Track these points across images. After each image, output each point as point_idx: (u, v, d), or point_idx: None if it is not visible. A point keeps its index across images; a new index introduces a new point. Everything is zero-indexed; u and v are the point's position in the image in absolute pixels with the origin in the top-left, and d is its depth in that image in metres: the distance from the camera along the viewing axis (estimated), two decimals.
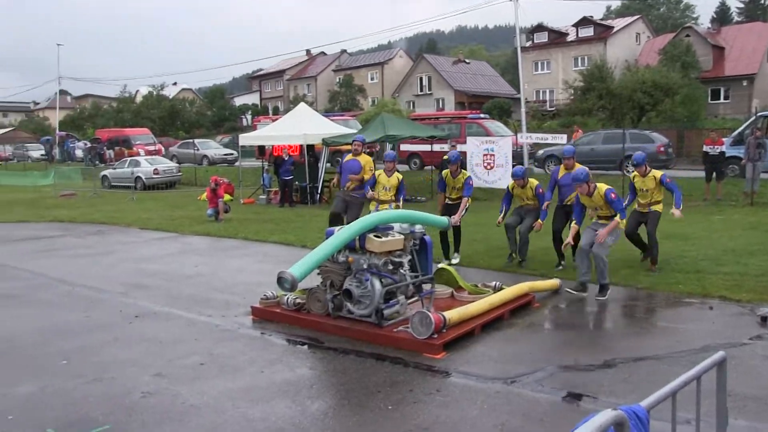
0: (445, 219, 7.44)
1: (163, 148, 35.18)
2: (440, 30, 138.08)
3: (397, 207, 8.81)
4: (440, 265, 7.50)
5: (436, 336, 5.48)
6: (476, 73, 58.58)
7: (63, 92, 63.18)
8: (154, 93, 57.25)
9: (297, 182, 17.91)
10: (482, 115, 25.87)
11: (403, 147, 23.77)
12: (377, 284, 5.89)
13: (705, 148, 15.60)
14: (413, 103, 55.00)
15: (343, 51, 67.91)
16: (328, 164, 19.33)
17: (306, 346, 5.77)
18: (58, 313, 7.02)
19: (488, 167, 16.22)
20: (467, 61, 60.66)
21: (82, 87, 75.61)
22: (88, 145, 38.73)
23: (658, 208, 8.30)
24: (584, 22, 49.05)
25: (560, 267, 8.42)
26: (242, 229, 13.02)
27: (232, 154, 31.75)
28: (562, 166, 8.75)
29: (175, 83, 70.98)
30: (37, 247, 11.65)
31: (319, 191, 17.84)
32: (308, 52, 69.58)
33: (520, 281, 7.26)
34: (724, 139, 16.86)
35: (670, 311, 6.70)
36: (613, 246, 7.56)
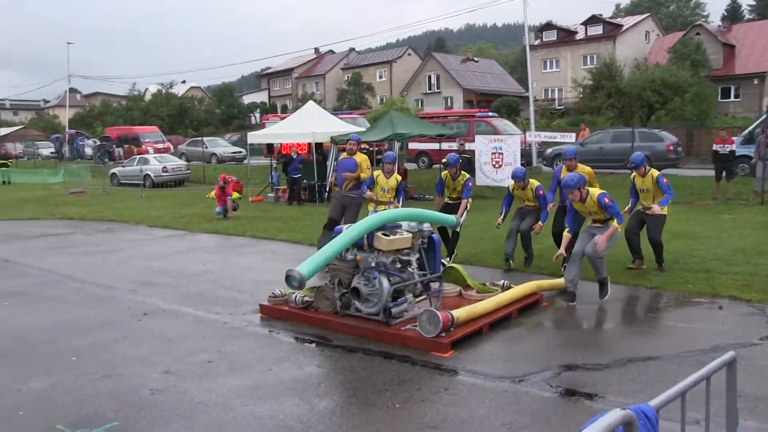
0: (453, 217, 7.43)
1: (171, 146, 35.27)
2: (449, 28, 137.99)
3: (396, 208, 8.75)
4: (448, 264, 7.48)
5: (444, 334, 5.48)
6: (485, 72, 58.44)
7: (73, 90, 63.57)
8: (163, 91, 57.38)
9: (305, 180, 17.93)
10: (491, 114, 25.83)
11: (412, 145, 23.76)
12: (385, 282, 5.89)
13: (715, 147, 15.49)
14: (422, 102, 54.96)
15: (352, 49, 67.91)
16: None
17: (314, 344, 5.78)
18: (68, 310, 7.07)
19: (497, 165, 16.19)
20: (476, 59, 60.51)
21: (92, 85, 76.33)
22: (98, 143, 38.89)
23: (663, 210, 8.10)
24: (593, 20, 48.85)
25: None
26: (250, 227, 13.05)
27: (240, 152, 31.79)
28: (564, 167, 8.52)
29: (184, 81, 71.21)
30: (47, 245, 11.73)
31: (327, 189, 17.85)
32: (317, 50, 69.67)
33: (527, 280, 7.24)
34: (734, 138, 16.75)
35: (679, 311, 6.66)
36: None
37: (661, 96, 31.00)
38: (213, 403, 4.45)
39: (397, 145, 18.32)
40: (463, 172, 9.13)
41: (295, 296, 6.53)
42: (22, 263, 9.86)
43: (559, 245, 8.15)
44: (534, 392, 4.58)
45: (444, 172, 9.13)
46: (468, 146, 16.86)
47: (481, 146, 16.62)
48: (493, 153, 16.32)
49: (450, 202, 9.14)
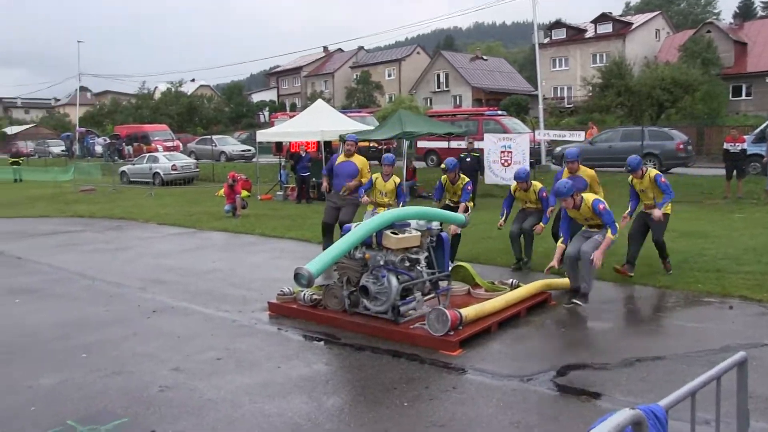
0: (461, 216, 7.40)
1: (181, 145, 35.43)
2: (458, 26, 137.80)
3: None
4: (457, 262, 7.47)
5: (452, 333, 5.48)
6: (494, 70, 58.30)
7: (83, 89, 63.94)
8: (173, 89, 57.63)
9: (314, 179, 17.95)
10: (499, 112, 25.75)
11: (420, 144, 23.74)
12: (394, 281, 5.89)
13: (726, 146, 15.38)
14: (430, 100, 54.89)
15: (360, 48, 67.93)
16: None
17: (322, 342, 5.79)
18: (78, 307, 7.12)
19: (505, 164, 16.14)
20: (485, 57, 60.37)
21: (102, 84, 76.83)
22: (108, 141, 39.11)
23: (666, 208, 7.82)
24: (603, 18, 48.65)
25: None
26: (259, 225, 13.08)
27: (249, 150, 31.87)
28: (566, 169, 8.36)
29: (193, 80, 71.45)
30: (57, 242, 11.81)
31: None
32: (325, 48, 69.79)
33: (536, 279, 7.22)
34: (745, 137, 16.61)
35: (688, 310, 6.62)
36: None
37: (672, 94, 30.84)
38: (222, 400, 4.47)
39: (405, 143, 18.31)
40: (462, 175, 8.89)
41: (304, 294, 6.55)
42: (33, 260, 9.94)
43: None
44: (542, 391, 4.57)
45: (443, 177, 8.92)
46: (477, 145, 16.81)
47: (490, 145, 16.58)
48: (502, 151, 16.28)
49: (451, 205, 9.02)
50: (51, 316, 6.74)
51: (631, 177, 7.94)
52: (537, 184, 8.41)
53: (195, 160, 27.98)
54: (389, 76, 61.92)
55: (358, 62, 65.59)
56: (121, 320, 6.53)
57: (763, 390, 4.37)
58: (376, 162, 23.54)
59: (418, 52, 63.80)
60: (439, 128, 18.34)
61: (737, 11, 59.39)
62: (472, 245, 9.70)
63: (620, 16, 53.66)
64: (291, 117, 24.33)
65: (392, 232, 6.08)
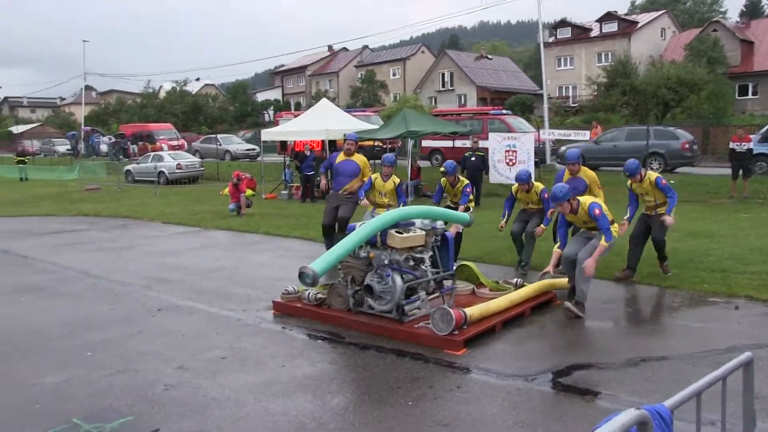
0: (466, 215, 7.38)
1: (185, 143, 35.50)
2: (462, 26, 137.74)
3: None
4: (461, 262, 7.46)
5: (456, 332, 5.47)
6: (498, 69, 58.21)
7: (88, 88, 64.11)
8: (178, 89, 57.73)
9: (318, 177, 17.95)
10: (504, 111, 25.72)
11: (425, 143, 23.74)
12: (398, 280, 5.89)
13: (732, 145, 15.33)
14: (435, 99, 54.85)
15: (365, 47, 67.91)
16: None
17: (327, 341, 5.79)
18: (84, 305, 7.14)
19: (510, 163, 16.12)
20: (489, 56, 60.29)
21: (107, 83, 77.01)
22: (113, 140, 39.25)
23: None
24: (608, 17, 48.53)
25: None
26: (264, 224, 13.10)
27: (254, 149, 31.91)
28: (566, 170, 8.21)
29: (197, 79, 71.58)
30: (63, 241, 11.85)
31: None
32: (330, 48, 69.73)
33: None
34: (751, 136, 16.56)
35: (694, 310, 6.60)
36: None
37: (677, 94, 30.73)
38: (226, 398, 4.48)
39: (410, 142, 18.31)
40: (461, 178, 8.82)
41: (308, 293, 6.55)
42: (39, 259, 9.97)
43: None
44: (547, 391, 4.57)
45: (443, 179, 8.83)
46: (482, 144, 16.81)
47: (495, 144, 16.56)
48: (506, 151, 16.26)
49: (452, 206, 8.96)
50: (56, 314, 6.77)
51: (629, 181, 7.75)
52: (538, 185, 8.30)
53: (200, 159, 28.03)
54: (394, 75, 61.90)
55: (362, 61, 65.59)
56: (126, 319, 6.55)
57: None
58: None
59: (422, 52, 63.77)
60: (443, 127, 18.33)
61: (744, 10, 59.01)
62: (476, 245, 9.68)
63: (626, 15, 53.51)
64: (295, 116, 24.38)
65: (397, 232, 6.08)
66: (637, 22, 48.50)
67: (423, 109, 36.79)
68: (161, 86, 64.28)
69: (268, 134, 20.44)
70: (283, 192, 19.14)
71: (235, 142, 34.63)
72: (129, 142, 36.52)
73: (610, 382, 4.68)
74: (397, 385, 4.67)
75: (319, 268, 5.54)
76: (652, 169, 18.18)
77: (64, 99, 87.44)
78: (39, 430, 4.01)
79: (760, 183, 15.63)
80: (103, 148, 40.36)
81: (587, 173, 8.11)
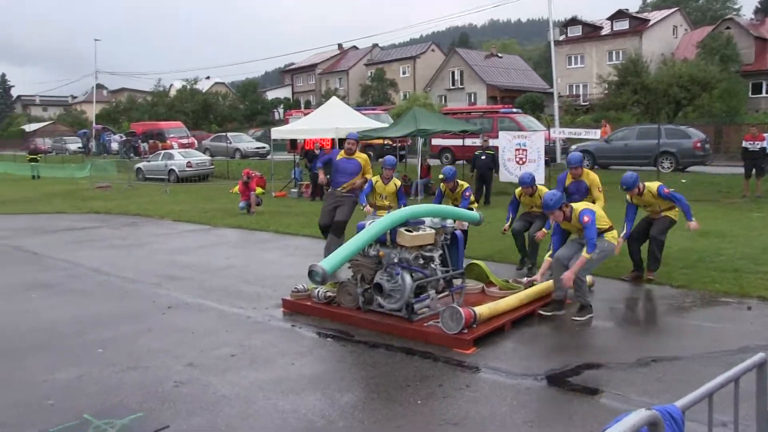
0: (476, 214, 7.36)
1: (196, 142, 35.65)
2: (472, 24, 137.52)
3: None
4: (471, 260, 7.44)
5: (466, 331, 5.46)
6: (509, 68, 58.03)
7: (99, 86, 64.61)
8: (188, 87, 58.04)
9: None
10: (514, 110, 25.64)
11: (435, 141, 23.71)
12: (408, 278, 5.88)
13: (744, 144, 15.20)
14: (445, 98, 54.74)
15: (375, 45, 67.87)
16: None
17: (336, 339, 5.79)
18: (94, 302, 7.18)
19: (520, 162, 16.07)
20: (500, 55, 60.11)
21: (118, 81, 77.14)
22: (124, 138, 39.48)
23: (672, 214, 7.47)
24: (619, 15, 48.22)
25: None
26: (274, 222, 13.13)
27: (264, 147, 32.00)
28: (568, 174, 8.02)
29: (208, 77, 71.88)
30: (74, 238, 11.93)
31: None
32: (340, 46, 69.76)
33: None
34: (765, 135, 16.39)
35: (705, 310, 6.54)
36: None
37: (689, 92, 30.55)
38: (236, 396, 4.49)
39: (420, 141, 18.28)
40: (460, 182, 8.69)
41: (318, 291, 6.56)
42: (50, 256, 10.04)
43: None
44: (556, 390, 4.55)
45: (442, 185, 8.74)
46: (491, 142, 16.76)
47: (505, 142, 16.51)
48: (516, 149, 16.21)
49: None
50: (67, 311, 6.81)
51: (628, 195, 7.48)
52: (543, 189, 8.09)
53: (210, 157, 28.13)
54: (404, 73, 61.83)
55: (372, 60, 65.56)
56: (136, 316, 6.58)
57: None
58: None
59: (432, 50, 63.66)
60: (453, 126, 18.29)
61: (758, 6, 58.41)
62: (486, 243, 9.66)
63: (637, 12, 53.14)
64: (305, 114, 24.42)
65: (406, 230, 6.07)
66: (649, 20, 48.16)
67: (433, 108, 36.76)
68: (172, 84, 64.63)
69: (278, 132, 20.48)
70: (293, 190, 19.18)
71: (245, 141, 34.74)
72: (140, 140, 36.73)
73: (620, 382, 4.66)
74: (406, 384, 4.67)
75: (329, 267, 5.55)
76: (663, 168, 18.08)
77: (75, 97, 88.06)
78: (51, 425, 4.04)
79: None
80: (114, 146, 40.63)
81: (589, 176, 7.90)
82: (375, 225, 5.99)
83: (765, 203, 13.78)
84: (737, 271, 7.72)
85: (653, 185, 7.40)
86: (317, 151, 18.00)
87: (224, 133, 36.26)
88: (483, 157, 15.78)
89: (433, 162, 22.02)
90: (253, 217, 13.92)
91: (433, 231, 6.27)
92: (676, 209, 7.45)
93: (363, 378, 4.92)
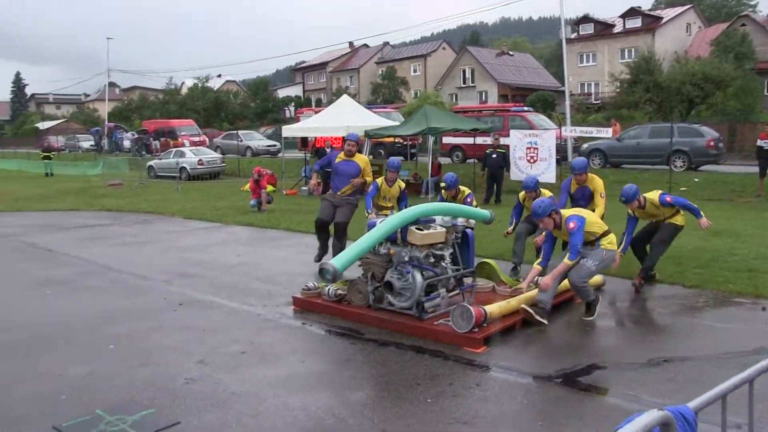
0: (487, 212, 7.32)
1: (207, 139, 35.80)
2: (484, 22, 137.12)
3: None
4: (482, 259, 7.42)
5: (476, 330, 5.45)
6: (520, 66, 57.82)
7: (112, 84, 64.94)
8: (199, 85, 58.29)
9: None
10: (526, 108, 25.54)
11: (446, 140, 23.68)
12: (418, 277, 5.88)
13: (759, 143, 15.04)
14: (456, 96, 54.64)
15: (386, 43, 67.87)
16: (371, 156, 19.37)
17: (346, 338, 5.80)
18: (106, 299, 7.23)
19: (531, 161, 16.00)
20: (511, 53, 59.90)
21: (130, 79, 77.46)
22: (135, 136, 39.71)
23: (678, 220, 7.22)
24: (632, 12, 47.91)
25: None
26: (284, 219, 13.16)
27: (275, 145, 32.06)
28: (572, 179, 7.83)
29: (219, 75, 72.16)
30: (86, 235, 12.01)
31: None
32: (351, 44, 69.80)
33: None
34: None
35: (719, 311, 6.49)
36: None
37: (702, 90, 30.28)
38: (246, 393, 4.50)
39: (431, 139, 18.26)
40: (462, 188, 8.53)
41: (328, 289, 6.56)
42: (63, 253, 10.12)
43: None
44: (567, 390, 4.52)
45: (444, 192, 8.62)
46: (502, 141, 16.70)
47: (516, 141, 16.45)
48: (527, 148, 16.13)
49: None
50: (80, 307, 6.86)
51: (629, 208, 7.27)
52: (546, 193, 7.94)
53: (221, 155, 28.23)
54: (415, 71, 61.76)
55: (383, 58, 65.53)
56: (147, 313, 6.62)
57: None
58: (402, 158, 23.52)
59: (443, 48, 63.53)
60: (464, 124, 18.25)
61: None
62: (497, 242, 9.62)
63: (650, 10, 52.81)
64: (316, 112, 24.43)
65: (417, 228, 6.06)
66: (662, 18, 47.82)
67: (444, 106, 36.68)
68: (183, 83, 64.96)
69: (289, 130, 20.52)
70: (303, 188, 19.19)
71: (256, 139, 34.82)
72: (151, 138, 36.93)
73: (631, 382, 4.63)
74: (416, 382, 4.66)
75: (340, 265, 5.55)
76: (675, 167, 17.94)
77: (88, 95, 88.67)
78: (64, 420, 4.07)
79: None
80: (126, 143, 40.87)
81: (593, 181, 7.74)
82: (386, 223, 5.99)
83: None
84: (751, 271, 7.64)
85: (654, 195, 7.17)
86: (328, 150, 18.02)
87: (235, 131, 36.38)
88: (494, 156, 15.74)
89: (444, 160, 21.99)
90: (263, 215, 13.96)
91: (444, 229, 6.26)
92: (682, 213, 7.26)
93: (373, 376, 4.92)
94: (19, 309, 6.91)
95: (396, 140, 22.18)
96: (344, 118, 17.69)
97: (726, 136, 23.59)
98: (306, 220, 13.01)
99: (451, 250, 6.37)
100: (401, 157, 23.31)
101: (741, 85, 31.37)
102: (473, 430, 3.93)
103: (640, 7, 49.51)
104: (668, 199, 7.13)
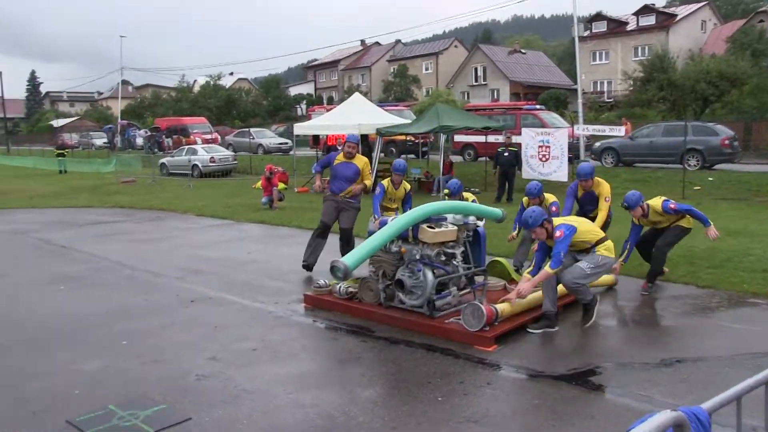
0: (498, 210, 7.28)
1: (219, 137, 35.90)
2: (496, 20, 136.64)
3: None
4: (493, 258, 7.40)
5: (487, 328, 5.43)
6: (532, 64, 57.56)
7: (125, 82, 65.38)
8: (211, 83, 58.47)
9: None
10: (538, 107, 25.42)
11: (458, 138, 23.63)
12: (429, 275, 5.87)
13: None
14: (468, 94, 54.52)
15: (398, 41, 67.80)
16: (382, 154, 19.37)
17: (357, 335, 5.80)
18: (119, 295, 7.28)
19: (543, 159, 15.94)
20: (523, 51, 59.66)
21: (143, 77, 78.08)
22: (148, 133, 39.91)
23: (684, 223, 7.06)
24: (645, 10, 47.54)
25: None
26: (296, 217, 13.19)
27: (286, 143, 32.11)
28: (579, 184, 7.71)
29: (231, 73, 72.35)
30: (99, 232, 12.11)
31: (372, 181, 17.86)
32: (363, 42, 69.81)
33: None
34: None
35: (733, 311, 6.43)
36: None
37: (717, 88, 29.98)
38: (257, 390, 4.52)
39: (443, 137, 18.22)
40: (465, 194, 8.41)
41: (340, 287, 6.57)
42: (77, 249, 10.21)
43: None
44: (578, 389, 4.50)
45: (449, 199, 8.41)
46: (515, 139, 16.63)
47: (528, 139, 16.39)
48: (540, 146, 16.07)
49: None
50: (93, 303, 6.92)
51: (632, 215, 7.11)
52: (549, 197, 7.84)
53: (233, 153, 28.31)
54: (426, 69, 61.67)
55: (395, 56, 65.48)
56: (159, 309, 6.66)
57: None
58: (413, 156, 23.53)
59: (455, 46, 63.37)
60: (476, 122, 18.19)
61: None
62: (507, 242, 9.57)
63: (664, 7, 52.38)
64: (328, 110, 24.46)
65: (428, 226, 6.05)
66: (676, 15, 47.41)
67: (456, 104, 36.59)
68: (195, 80, 65.18)
69: (300, 128, 20.55)
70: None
71: (268, 136, 34.87)
72: (164, 136, 37.08)
73: (643, 382, 4.59)
74: (427, 380, 4.66)
75: (351, 262, 5.56)
76: (689, 166, 17.79)
77: (101, 93, 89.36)
78: (77, 414, 4.10)
79: None
80: (139, 141, 41.10)
81: (600, 185, 7.63)
82: (397, 221, 5.99)
83: None
84: (767, 271, 7.55)
85: (657, 202, 7.02)
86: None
87: (247, 129, 36.47)
88: (506, 154, 15.68)
89: (456, 158, 21.94)
90: (275, 213, 13.99)
91: (456, 228, 6.24)
92: (688, 217, 7.11)
93: (383, 374, 4.92)
94: (33, 305, 6.98)
95: (408, 138, 22.15)
96: (356, 116, 17.70)
97: (741, 134, 23.34)
98: (317, 218, 12.98)
99: (462, 249, 6.36)
100: (413, 155, 23.48)
101: (758, 83, 31.01)
102: (484, 428, 3.92)
103: (653, 5, 49.11)
104: (672, 206, 6.93)
